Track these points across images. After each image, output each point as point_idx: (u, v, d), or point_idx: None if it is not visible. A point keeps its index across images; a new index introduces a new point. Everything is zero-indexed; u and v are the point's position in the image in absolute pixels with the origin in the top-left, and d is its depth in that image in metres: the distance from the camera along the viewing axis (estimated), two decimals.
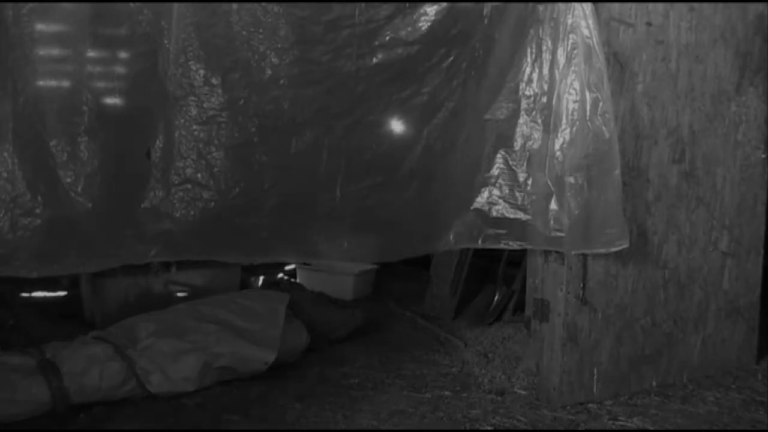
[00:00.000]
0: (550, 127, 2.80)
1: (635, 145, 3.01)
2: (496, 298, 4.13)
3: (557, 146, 2.78)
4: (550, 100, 2.80)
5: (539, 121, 2.84)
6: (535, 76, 2.82)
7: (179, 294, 3.88)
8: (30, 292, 4.17)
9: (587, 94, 2.72)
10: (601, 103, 2.72)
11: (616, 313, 3.06)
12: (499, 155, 2.89)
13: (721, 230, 3.28)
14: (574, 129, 2.75)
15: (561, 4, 2.74)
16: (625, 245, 2.81)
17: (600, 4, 2.83)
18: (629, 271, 3.06)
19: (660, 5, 2.99)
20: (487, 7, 2.79)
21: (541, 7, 2.77)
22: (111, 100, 2.52)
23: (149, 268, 3.93)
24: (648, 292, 3.12)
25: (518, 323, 3.83)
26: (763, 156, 3.36)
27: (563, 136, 2.77)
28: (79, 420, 2.81)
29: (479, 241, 2.92)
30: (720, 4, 3.15)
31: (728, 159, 3.26)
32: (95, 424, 2.79)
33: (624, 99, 2.96)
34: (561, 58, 2.76)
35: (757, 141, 3.33)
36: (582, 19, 2.71)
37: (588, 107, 2.72)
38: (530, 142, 2.85)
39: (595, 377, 3.05)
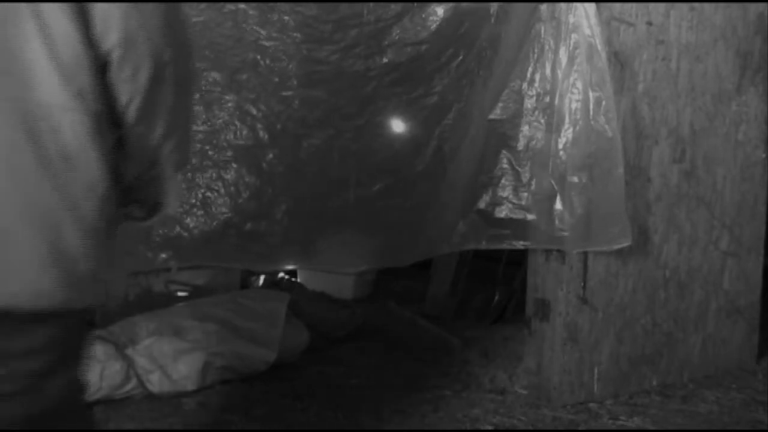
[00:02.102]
0: (552, 127, 2.80)
1: (636, 144, 3.01)
2: (496, 297, 4.13)
3: (560, 146, 2.78)
4: (552, 99, 2.80)
5: (542, 120, 2.83)
6: (537, 75, 2.82)
7: (179, 293, 3.87)
8: None
9: (590, 93, 2.73)
10: (603, 102, 2.72)
11: (617, 313, 3.05)
12: (502, 155, 2.89)
13: (721, 230, 3.28)
14: (577, 128, 2.75)
15: (563, 4, 2.74)
16: (628, 243, 2.81)
17: (601, 4, 2.83)
18: (630, 271, 3.06)
19: (661, 5, 2.99)
20: (494, 7, 2.78)
21: (543, 6, 2.77)
22: None
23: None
24: (648, 292, 3.12)
25: (518, 323, 3.82)
26: (764, 156, 3.36)
27: (566, 135, 2.77)
28: None
29: (483, 242, 2.92)
30: (720, 4, 3.15)
31: (729, 158, 3.26)
32: (95, 424, 2.79)
33: (624, 98, 2.96)
34: (563, 57, 2.76)
35: (758, 141, 3.33)
36: (584, 19, 2.71)
37: (591, 106, 2.73)
38: (533, 142, 2.85)
39: (595, 377, 3.05)
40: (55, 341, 1.27)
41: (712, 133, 3.20)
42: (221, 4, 2.53)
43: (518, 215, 2.87)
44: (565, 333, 2.96)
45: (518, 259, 3.99)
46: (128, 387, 2.94)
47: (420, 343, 3.76)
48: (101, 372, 2.87)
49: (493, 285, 4.19)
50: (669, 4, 3.01)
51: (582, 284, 2.95)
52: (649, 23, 2.98)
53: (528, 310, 3.22)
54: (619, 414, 2.96)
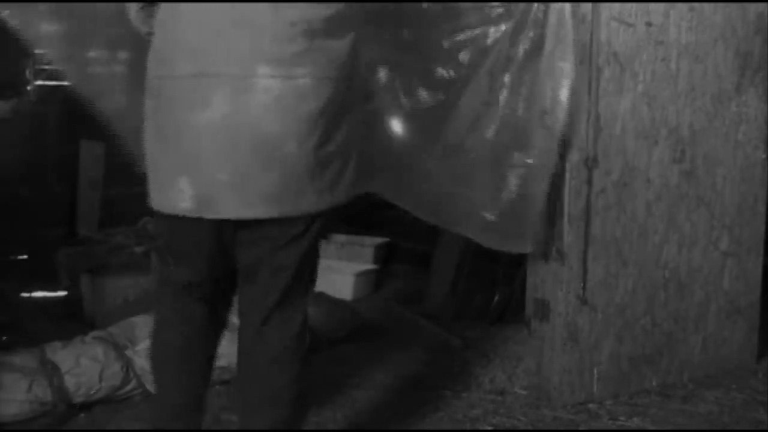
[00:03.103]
0: (506, 121, 2.77)
1: (635, 145, 3.01)
2: (496, 298, 4.13)
3: (505, 139, 2.77)
4: (511, 94, 2.76)
5: (498, 113, 2.79)
6: (506, 75, 2.77)
7: None
8: (30, 292, 4.17)
9: (548, 92, 2.70)
10: (559, 105, 2.70)
11: (617, 313, 3.06)
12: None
13: (721, 230, 3.28)
14: (524, 126, 2.74)
15: (540, 3, 2.72)
16: (528, 251, 2.86)
17: (600, 4, 2.84)
18: (629, 271, 3.06)
19: (660, 5, 2.99)
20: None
21: (534, 6, 2.74)
22: None
23: (149, 268, 3.93)
24: (648, 292, 3.12)
25: (518, 323, 3.82)
26: (764, 156, 3.35)
27: (513, 130, 2.75)
28: (80, 420, 2.81)
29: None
30: (720, 4, 3.14)
31: (728, 159, 3.26)
32: (95, 424, 2.80)
33: (624, 99, 2.96)
34: (532, 54, 2.72)
35: (758, 141, 3.33)
36: (562, 18, 2.69)
37: (547, 106, 2.71)
38: (485, 136, 2.81)
39: (595, 377, 3.05)
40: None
41: (712, 134, 3.20)
42: None
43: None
44: (565, 333, 2.96)
45: (518, 259, 3.99)
46: (128, 388, 2.94)
47: (420, 343, 3.76)
48: (101, 373, 2.88)
49: (493, 285, 4.19)
50: (668, 5, 3.01)
51: (582, 284, 2.95)
52: (649, 24, 2.98)
53: (528, 311, 3.22)
54: (619, 414, 2.96)
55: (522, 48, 2.74)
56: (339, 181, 2.10)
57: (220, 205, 1.98)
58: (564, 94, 2.71)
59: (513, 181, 2.78)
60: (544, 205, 2.82)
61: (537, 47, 2.71)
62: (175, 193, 2.00)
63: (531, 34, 2.71)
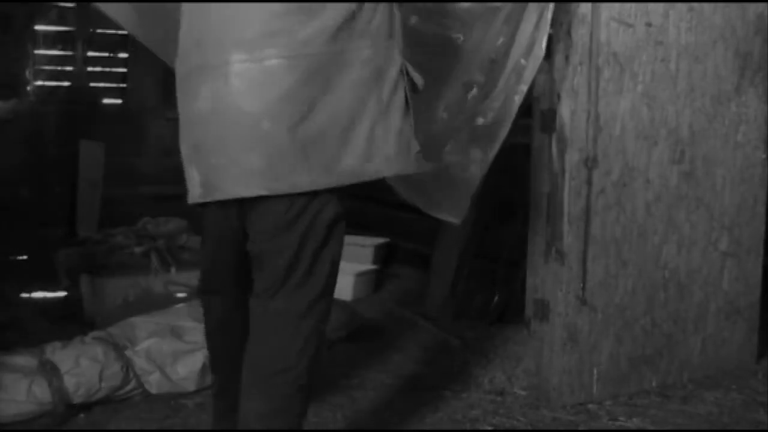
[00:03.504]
0: (476, 105, 2.79)
1: (635, 145, 3.01)
2: (495, 298, 4.13)
3: (471, 120, 2.78)
4: (487, 81, 2.78)
5: (474, 96, 2.80)
6: (490, 61, 2.79)
7: (179, 294, 3.87)
8: (30, 292, 4.17)
9: (521, 68, 2.73)
10: (521, 84, 2.73)
11: (616, 314, 3.06)
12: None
13: (721, 231, 3.28)
14: (492, 102, 2.75)
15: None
16: (457, 222, 2.79)
17: (601, 4, 2.84)
18: (629, 272, 3.06)
19: (660, 5, 2.99)
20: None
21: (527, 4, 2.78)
22: None
23: (149, 268, 3.94)
24: (648, 293, 3.12)
25: (518, 324, 3.82)
26: (764, 156, 3.36)
27: (483, 106, 2.77)
28: (79, 420, 2.81)
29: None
30: (720, 4, 3.14)
31: (728, 159, 3.26)
32: (95, 424, 2.80)
33: (624, 99, 2.96)
34: (514, 44, 2.75)
35: (758, 141, 3.33)
36: (545, 11, 2.73)
37: (513, 83, 2.74)
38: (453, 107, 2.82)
39: (594, 377, 3.05)
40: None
41: (712, 134, 3.20)
42: None
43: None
44: (565, 334, 2.96)
45: (518, 260, 3.99)
46: (127, 388, 2.94)
47: (420, 343, 3.76)
48: (100, 373, 2.88)
49: (493, 285, 4.19)
50: (668, 5, 3.01)
51: (581, 285, 2.96)
52: (648, 24, 2.98)
53: (528, 311, 3.22)
54: (619, 415, 2.96)
55: (508, 37, 2.76)
56: (337, 161, 2.09)
57: (219, 187, 2.10)
58: (532, 68, 2.74)
59: (453, 146, 2.77)
60: (481, 177, 2.77)
61: (517, 34, 2.75)
62: (190, 182, 2.17)
63: (514, 25, 2.74)
